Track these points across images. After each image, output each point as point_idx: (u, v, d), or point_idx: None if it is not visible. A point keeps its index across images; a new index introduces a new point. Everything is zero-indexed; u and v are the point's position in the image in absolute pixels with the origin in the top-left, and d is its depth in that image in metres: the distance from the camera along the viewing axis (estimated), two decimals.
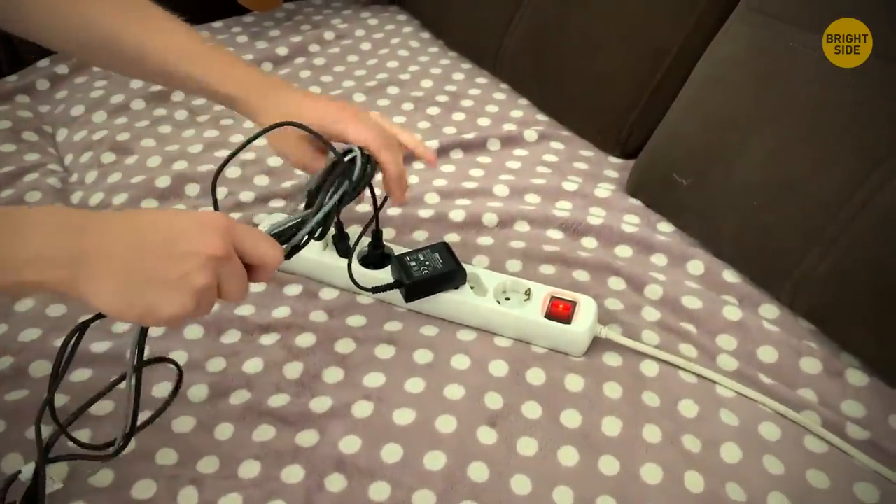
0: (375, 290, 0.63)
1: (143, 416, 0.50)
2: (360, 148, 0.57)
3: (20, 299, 0.66)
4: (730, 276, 0.69)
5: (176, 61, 0.61)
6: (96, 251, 0.42)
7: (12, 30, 0.64)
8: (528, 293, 0.63)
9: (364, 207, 0.74)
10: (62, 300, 0.65)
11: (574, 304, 0.62)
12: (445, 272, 0.62)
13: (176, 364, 0.52)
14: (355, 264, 0.65)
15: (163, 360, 0.52)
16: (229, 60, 0.63)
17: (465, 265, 0.64)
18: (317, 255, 0.66)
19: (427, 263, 0.63)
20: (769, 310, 0.66)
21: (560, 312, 0.61)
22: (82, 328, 0.47)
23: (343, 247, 0.66)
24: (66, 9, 0.62)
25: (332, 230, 0.66)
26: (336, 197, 0.55)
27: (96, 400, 0.49)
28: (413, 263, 0.63)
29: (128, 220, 0.44)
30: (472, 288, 0.64)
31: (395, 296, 0.64)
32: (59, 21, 0.62)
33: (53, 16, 0.62)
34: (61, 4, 0.62)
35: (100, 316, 0.46)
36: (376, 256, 0.66)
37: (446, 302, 0.63)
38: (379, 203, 0.63)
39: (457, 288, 0.63)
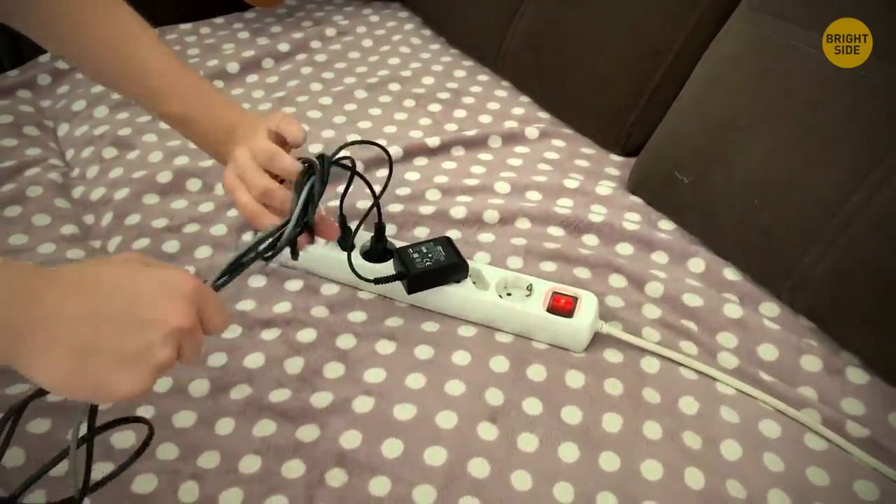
0: (377, 281, 0.63)
1: (106, 467, 0.48)
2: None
3: None
4: (730, 273, 0.69)
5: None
6: (45, 318, 0.36)
7: (10, 23, 0.64)
8: (529, 288, 0.63)
9: (365, 203, 0.75)
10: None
11: (576, 298, 0.62)
12: (447, 265, 0.62)
13: (147, 422, 0.47)
14: (358, 259, 0.65)
15: (128, 420, 0.46)
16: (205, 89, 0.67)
17: (468, 260, 0.64)
18: (319, 249, 0.66)
19: (430, 256, 0.63)
20: (770, 308, 0.67)
21: (562, 307, 0.61)
22: (18, 412, 0.42)
23: (345, 241, 0.66)
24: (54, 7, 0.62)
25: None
26: (306, 189, 0.58)
27: (42, 474, 0.43)
28: (416, 256, 0.63)
29: (87, 278, 0.39)
30: (474, 282, 0.64)
31: (397, 291, 0.64)
32: (44, 16, 0.63)
33: (41, 10, 0.62)
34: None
35: (41, 393, 0.41)
36: (379, 251, 0.66)
37: (448, 296, 0.63)
38: (372, 200, 0.63)
39: (459, 282, 0.63)
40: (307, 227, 0.60)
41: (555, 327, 0.61)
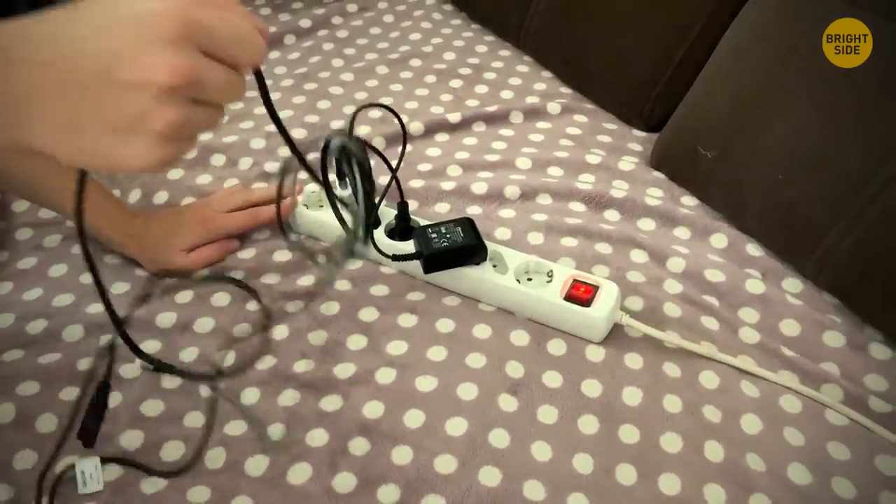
0: (395, 258, 0.64)
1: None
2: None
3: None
4: (753, 249, 0.69)
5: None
6: (25, 96, 0.32)
7: None
8: (550, 274, 0.62)
9: (386, 178, 0.75)
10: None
11: (596, 288, 0.60)
12: (464, 246, 0.62)
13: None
14: (382, 235, 0.66)
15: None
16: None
17: (489, 243, 0.64)
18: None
19: (448, 236, 0.63)
20: (793, 283, 0.66)
21: (580, 295, 0.60)
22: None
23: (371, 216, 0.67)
24: None
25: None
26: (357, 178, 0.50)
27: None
28: (434, 235, 0.63)
29: (61, 40, 0.32)
30: (494, 266, 0.63)
31: (418, 269, 0.65)
32: None
33: None
34: None
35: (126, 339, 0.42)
36: (402, 229, 0.66)
37: (465, 278, 0.63)
38: (391, 175, 0.63)
39: (477, 264, 0.63)
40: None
41: (571, 316, 0.60)
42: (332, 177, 0.60)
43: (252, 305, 0.62)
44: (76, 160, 0.34)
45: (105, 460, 0.52)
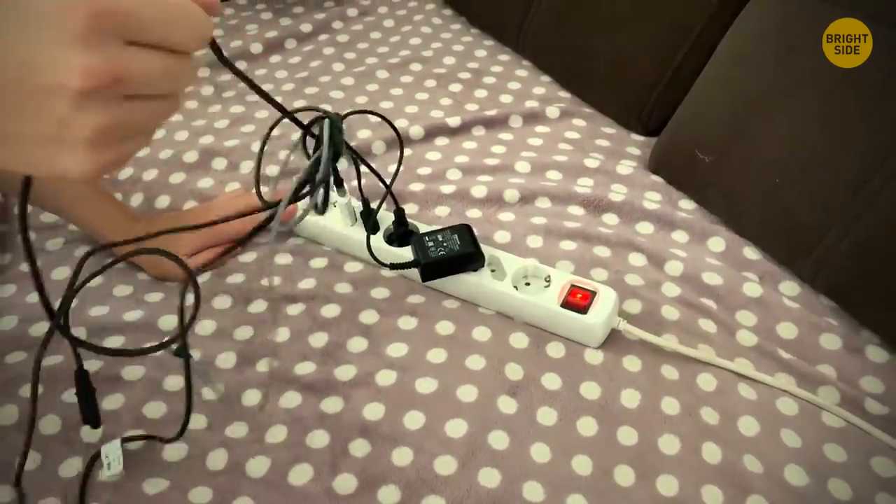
0: (393, 266, 0.64)
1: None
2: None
3: None
4: (751, 252, 0.69)
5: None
6: None
7: None
8: (548, 279, 0.62)
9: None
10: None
11: (593, 293, 0.60)
12: (461, 254, 0.63)
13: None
14: (381, 241, 0.66)
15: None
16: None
17: (488, 248, 0.64)
18: (344, 230, 0.68)
19: (445, 245, 0.63)
20: (790, 287, 0.67)
21: (577, 302, 0.60)
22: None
23: (370, 222, 0.67)
24: None
25: (360, 207, 0.67)
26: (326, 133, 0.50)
27: None
28: (431, 244, 0.63)
29: None
30: (492, 271, 0.64)
31: (416, 274, 0.65)
32: None
33: None
34: None
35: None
36: (400, 234, 0.67)
37: (463, 283, 0.64)
38: (389, 181, 0.63)
39: (475, 270, 0.64)
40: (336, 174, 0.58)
41: (567, 322, 0.60)
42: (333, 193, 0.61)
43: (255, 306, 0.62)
44: (12, 169, 0.31)
45: (126, 440, 0.53)
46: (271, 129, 0.54)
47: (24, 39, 0.29)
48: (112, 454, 0.52)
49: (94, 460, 0.53)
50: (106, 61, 0.29)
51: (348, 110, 0.61)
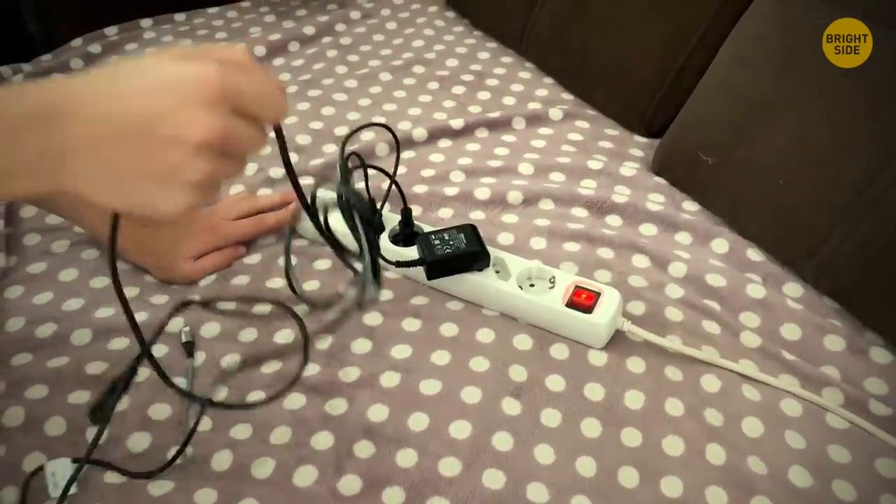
0: (398, 264, 0.64)
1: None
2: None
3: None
4: (754, 254, 0.69)
5: None
6: (73, 148, 0.36)
7: None
8: (552, 280, 0.63)
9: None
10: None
11: (598, 294, 0.61)
12: (467, 253, 0.63)
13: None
14: (386, 241, 0.66)
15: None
16: None
17: (493, 249, 0.64)
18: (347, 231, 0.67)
19: (451, 243, 0.63)
20: (793, 288, 0.67)
21: (581, 302, 0.60)
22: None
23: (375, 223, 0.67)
24: None
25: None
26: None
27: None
28: (437, 242, 0.64)
29: (105, 91, 0.37)
30: (497, 271, 0.64)
31: (421, 275, 0.65)
32: None
33: None
34: None
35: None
36: (406, 235, 0.67)
37: (468, 283, 0.64)
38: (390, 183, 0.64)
39: (480, 270, 0.64)
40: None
41: (572, 322, 0.60)
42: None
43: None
44: (115, 206, 0.38)
45: (77, 462, 0.51)
46: None
47: (162, 95, 0.36)
48: (59, 473, 0.51)
49: (34, 474, 0.51)
50: (223, 124, 0.36)
51: (350, 154, 0.60)
